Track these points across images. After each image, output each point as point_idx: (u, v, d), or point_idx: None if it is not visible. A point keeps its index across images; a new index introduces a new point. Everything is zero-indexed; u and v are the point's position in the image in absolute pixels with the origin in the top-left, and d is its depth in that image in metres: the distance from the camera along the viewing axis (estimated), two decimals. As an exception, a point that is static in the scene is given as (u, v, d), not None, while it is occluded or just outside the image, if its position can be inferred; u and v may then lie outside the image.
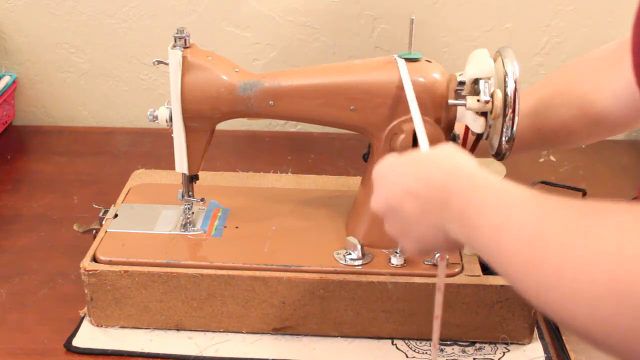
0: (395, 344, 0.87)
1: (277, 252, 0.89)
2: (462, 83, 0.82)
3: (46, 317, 0.91)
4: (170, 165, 0.93)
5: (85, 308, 0.89)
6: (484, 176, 0.60)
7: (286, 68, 1.37)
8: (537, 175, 1.21)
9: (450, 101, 0.82)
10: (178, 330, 0.89)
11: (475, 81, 0.80)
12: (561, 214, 0.51)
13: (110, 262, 0.86)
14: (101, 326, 0.89)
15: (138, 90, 1.43)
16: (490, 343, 0.88)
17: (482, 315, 0.86)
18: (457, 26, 1.35)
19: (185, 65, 0.85)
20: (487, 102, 0.78)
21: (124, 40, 1.38)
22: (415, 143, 0.82)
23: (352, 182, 1.05)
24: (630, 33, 0.66)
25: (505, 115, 0.79)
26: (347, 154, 1.31)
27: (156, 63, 0.88)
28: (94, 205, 1.00)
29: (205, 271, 0.85)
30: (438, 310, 0.70)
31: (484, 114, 0.80)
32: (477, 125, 0.81)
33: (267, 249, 0.89)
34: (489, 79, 0.79)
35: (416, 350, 0.86)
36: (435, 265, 0.86)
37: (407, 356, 0.86)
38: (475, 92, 0.80)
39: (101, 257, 0.87)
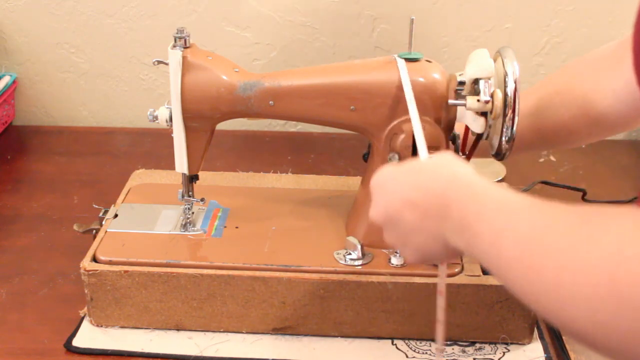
0: (395, 344, 0.87)
1: (277, 252, 0.89)
2: (462, 83, 0.82)
3: (46, 317, 0.91)
4: (170, 165, 0.93)
5: (85, 308, 0.89)
6: (482, 184, 0.60)
7: (286, 68, 1.37)
8: (537, 175, 1.21)
9: (450, 101, 0.82)
10: (178, 330, 0.89)
11: (475, 81, 0.80)
12: (560, 219, 0.51)
13: (110, 262, 0.86)
14: (101, 326, 0.89)
15: (138, 90, 1.43)
16: (490, 343, 0.88)
17: (482, 315, 0.86)
18: (457, 26, 1.35)
19: (185, 65, 0.85)
20: (487, 102, 0.78)
21: (124, 40, 1.38)
22: (414, 150, 0.82)
23: (352, 182, 1.05)
24: (631, 32, 0.66)
25: (505, 115, 0.79)
26: (347, 154, 1.31)
27: (156, 63, 0.88)
28: (94, 205, 1.00)
29: (205, 271, 0.85)
30: (441, 315, 0.70)
31: (484, 114, 0.80)
32: (477, 125, 0.81)
33: (267, 249, 0.89)
34: (489, 79, 0.79)
35: (416, 350, 0.86)
36: (435, 265, 0.86)
37: (407, 356, 0.86)
38: (475, 92, 0.80)
39: (101, 257, 0.87)
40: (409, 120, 0.82)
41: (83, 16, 1.37)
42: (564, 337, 0.88)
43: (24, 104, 1.45)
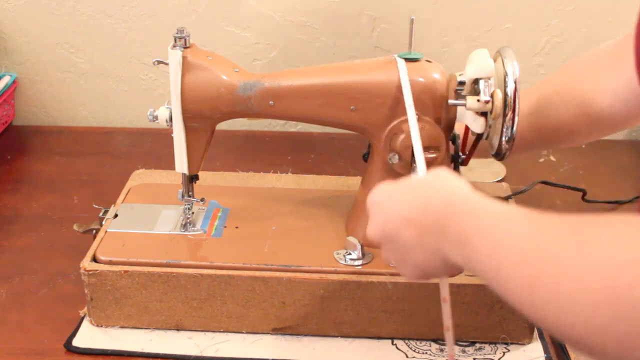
0: (395, 344, 0.87)
1: (277, 252, 0.89)
2: (462, 83, 0.82)
3: (46, 317, 0.91)
4: (170, 165, 0.93)
5: (85, 308, 0.89)
6: (479, 199, 0.61)
7: (286, 68, 1.37)
8: (537, 175, 1.20)
9: (450, 101, 0.82)
10: (178, 330, 0.89)
11: (475, 81, 0.80)
12: (557, 229, 0.52)
13: (110, 262, 0.86)
14: (101, 326, 0.89)
15: (138, 90, 1.43)
16: (490, 343, 0.88)
17: (482, 315, 0.86)
18: (457, 26, 1.35)
19: (185, 65, 0.85)
20: (487, 102, 0.78)
21: (124, 40, 1.38)
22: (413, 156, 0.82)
23: (352, 182, 1.05)
24: (633, 32, 0.66)
25: (505, 115, 0.79)
26: (347, 154, 1.31)
27: (156, 63, 0.88)
28: (94, 205, 1.00)
29: (205, 271, 0.85)
30: (448, 322, 0.70)
31: (484, 114, 0.80)
32: (477, 125, 0.81)
33: (267, 249, 0.89)
34: (489, 79, 0.79)
35: (416, 350, 0.86)
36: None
37: (407, 356, 0.86)
38: (475, 92, 0.80)
39: (101, 257, 0.87)
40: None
41: (83, 16, 1.37)
42: (564, 337, 0.88)
43: (24, 104, 1.45)
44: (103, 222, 0.94)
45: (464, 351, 0.86)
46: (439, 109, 0.84)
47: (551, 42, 1.36)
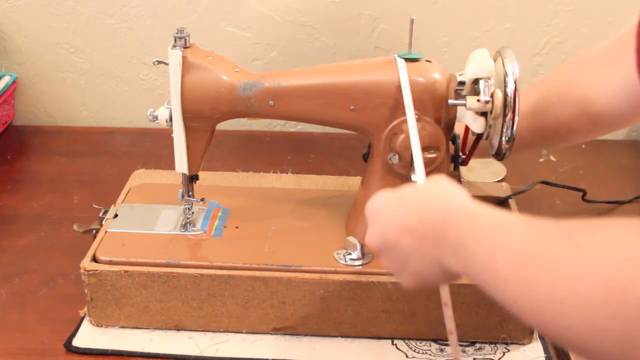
0: (395, 344, 0.87)
1: (277, 252, 0.89)
2: (462, 83, 0.82)
3: (46, 317, 0.91)
4: (170, 165, 0.93)
5: (85, 308, 0.89)
6: (477, 206, 0.61)
7: (286, 68, 1.37)
8: (537, 175, 1.20)
9: (450, 101, 0.82)
10: (178, 330, 0.89)
11: (475, 81, 0.80)
12: (554, 233, 0.52)
13: (110, 262, 0.86)
14: (101, 326, 0.89)
15: (138, 90, 1.43)
16: (490, 343, 0.88)
17: (482, 315, 0.86)
18: (457, 26, 1.35)
19: (185, 65, 0.85)
20: (487, 102, 0.78)
21: (124, 40, 1.38)
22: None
23: (352, 182, 1.05)
24: (634, 31, 0.66)
25: (505, 115, 0.79)
26: (347, 154, 1.31)
27: (156, 63, 0.88)
28: (94, 205, 1.00)
29: (205, 271, 0.85)
30: (450, 325, 0.70)
31: (484, 114, 0.80)
32: (477, 125, 0.81)
33: (267, 249, 0.89)
34: (489, 79, 0.79)
35: (416, 350, 0.86)
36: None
37: (407, 356, 0.86)
38: (475, 92, 0.80)
39: (101, 257, 0.87)
40: (409, 120, 0.82)
41: (83, 16, 1.37)
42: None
43: (24, 104, 1.45)
44: (103, 222, 0.94)
45: (464, 351, 0.86)
46: (439, 109, 0.84)
47: (551, 42, 1.36)
